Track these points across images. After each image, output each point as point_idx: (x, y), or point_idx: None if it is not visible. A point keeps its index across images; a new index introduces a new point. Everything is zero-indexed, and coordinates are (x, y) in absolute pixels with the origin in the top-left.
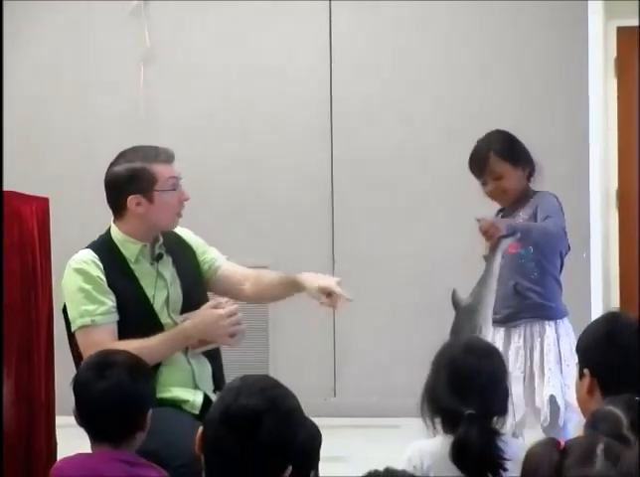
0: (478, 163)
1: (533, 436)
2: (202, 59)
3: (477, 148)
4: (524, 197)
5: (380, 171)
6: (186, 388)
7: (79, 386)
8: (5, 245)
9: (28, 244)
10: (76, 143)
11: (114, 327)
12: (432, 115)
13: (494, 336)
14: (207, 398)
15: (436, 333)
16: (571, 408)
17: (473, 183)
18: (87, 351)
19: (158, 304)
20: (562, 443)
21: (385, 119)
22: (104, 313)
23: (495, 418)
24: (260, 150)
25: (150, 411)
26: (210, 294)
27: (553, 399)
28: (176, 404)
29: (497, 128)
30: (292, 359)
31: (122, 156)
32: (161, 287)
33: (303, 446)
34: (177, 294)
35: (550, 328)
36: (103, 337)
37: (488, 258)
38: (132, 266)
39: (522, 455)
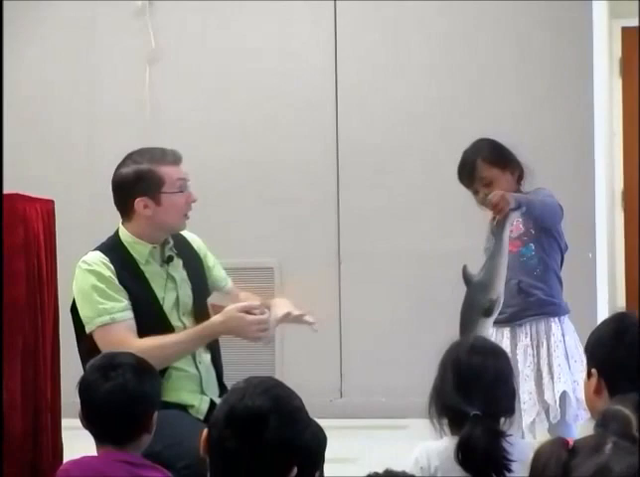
0: (467, 172)
1: (541, 433)
2: (207, 59)
3: (464, 158)
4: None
5: (385, 170)
6: (193, 393)
7: (84, 387)
8: (10, 247)
9: (33, 246)
10: (81, 144)
11: (133, 323)
12: (437, 115)
13: (499, 336)
14: (212, 404)
15: (443, 333)
16: (581, 405)
17: None
18: (109, 349)
19: (168, 306)
20: (571, 442)
21: (389, 119)
22: (122, 310)
23: (502, 419)
24: (265, 150)
25: (156, 413)
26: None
27: (564, 396)
28: (182, 408)
29: (482, 137)
30: (298, 360)
31: (129, 158)
32: (171, 289)
33: (308, 447)
34: (187, 296)
35: (555, 325)
36: (125, 334)
37: (497, 233)
38: (142, 268)
39: (529, 455)
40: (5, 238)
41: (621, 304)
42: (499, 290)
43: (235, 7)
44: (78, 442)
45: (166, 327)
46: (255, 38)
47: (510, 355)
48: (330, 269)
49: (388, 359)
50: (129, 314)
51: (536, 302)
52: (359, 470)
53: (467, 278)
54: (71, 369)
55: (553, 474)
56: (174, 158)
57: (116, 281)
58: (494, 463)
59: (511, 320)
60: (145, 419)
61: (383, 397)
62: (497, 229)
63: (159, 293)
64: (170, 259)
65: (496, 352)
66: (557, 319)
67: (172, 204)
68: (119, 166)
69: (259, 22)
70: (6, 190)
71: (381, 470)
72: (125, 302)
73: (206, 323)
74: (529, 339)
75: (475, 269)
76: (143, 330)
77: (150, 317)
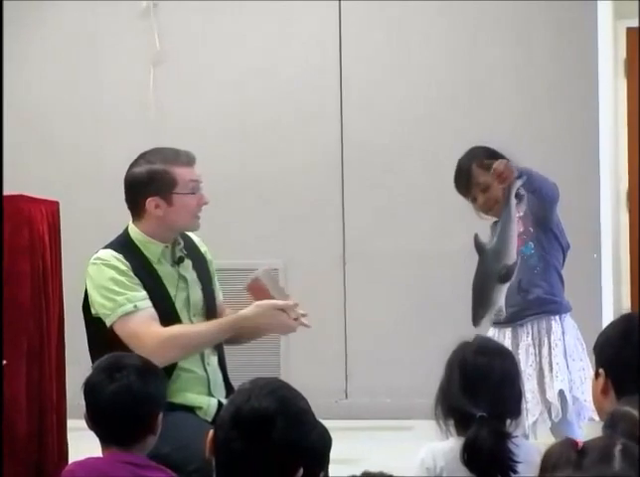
0: (463, 179)
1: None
2: (211, 60)
3: (459, 166)
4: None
5: (390, 171)
6: (200, 395)
7: (89, 389)
8: (16, 248)
9: (38, 247)
10: (85, 145)
11: (155, 312)
12: (440, 116)
13: (501, 337)
14: (220, 406)
15: (448, 334)
16: (580, 403)
17: None
18: (135, 338)
19: (179, 306)
20: (580, 443)
21: (393, 120)
22: (144, 298)
23: (508, 420)
24: (270, 151)
25: (161, 414)
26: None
27: (561, 394)
28: (189, 410)
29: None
30: (303, 361)
31: (143, 157)
32: (182, 289)
33: (314, 448)
34: (197, 297)
35: (555, 323)
36: (150, 321)
37: (504, 201)
38: (155, 267)
39: (535, 457)
40: (10, 239)
41: (626, 305)
42: (513, 255)
43: (238, 8)
44: (83, 443)
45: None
46: (260, 39)
47: None
48: (335, 270)
49: (393, 360)
50: (150, 303)
51: (536, 301)
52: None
53: (479, 247)
54: (76, 370)
55: (562, 475)
56: (188, 159)
57: (132, 274)
58: (500, 464)
59: (512, 320)
60: (150, 420)
61: (388, 397)
62: (504, 198)
63: (171, 292)
64: (181, 260)
65: (502, 353)
66: (557, 317)
67: (183, 205)
68: (132, 165)
69: (264, 23)
70: (11, 191)
71: (385, 471)
72: (144, 292)
73: (234, 315)
74: (530, 338)
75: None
76: None
77: (162, 316)
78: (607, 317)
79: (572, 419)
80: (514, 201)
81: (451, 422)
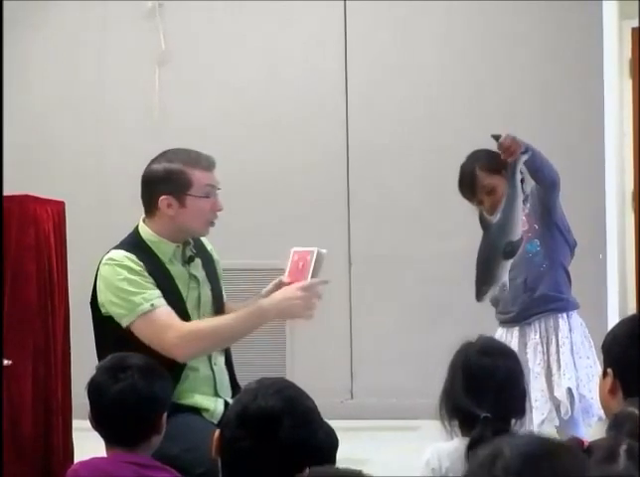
0: (467, 183)
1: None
2: (216, 61)
3: (462, 170)
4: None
5: (396, 172)
6: (207, 395)
7: (93, 389)
8: (22, 248)
9: (44, 247)
10: (89, 145)
11: (171, 308)
12: (447, 116)
13: (509, 336)
14: (227, 406)
15: (454, 334)
16: (587, 401)
17: None
18: (157, 336)
19: (190, 306)
20: (585, 443)
21: (400, 120)
22: (159, 296)
23: (513, 420)
24: (275, 151)
25: (165, 414)
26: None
27: (569, 392)
28: (197, 411)
29: (477, 148)
30: (309, 361)
31: (163, 155)
32: (193, 288)
33: (321, 447)
34: (207, 297)
35: (562, 321)
36: (170, 317)
37: (510, 176)
38: (168, 266)
39: None
40: (16, 238)
41: (632, 305)
42: (518, 231)
43: (243, 9)
44: (89, 443)
45: None
46: (264, 39)
47: (520, 354)
48: (340, 271)
49: (398, 360)
50: (164, 301)
51: (542, 298)
52: (369, 471)
53: (485, 221)
54: (81, 370)
55: None
56: (207, 163)
57: (146, 274)
58: None
59: (519, 319)
60: (155, 420)
61: (393, 398)
62: (510, 173)
63: (183, 292)
64: (191, 259)
65: (506, 353)
66: (564, 315)
67: (196, 207)
68: (152, 161)
69: (268, 23)
70: (17, 192)
71: (391, 471)
72: (159, 291)
73: (256, 305)
74: (538, 336)
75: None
76: None
77: (177, 314)
78: (613, 317)
79: (579, 418)
80: (519, 176)
81: (456, 423)
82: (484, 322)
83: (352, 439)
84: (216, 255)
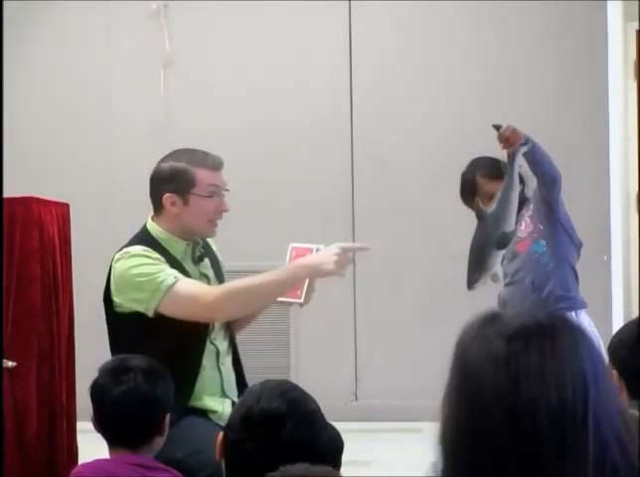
0: (469, 190)
1: None
2: (221, 62)
3: (463, 178)
4: (521, 204)
5: (400, 172)
6: (214, 396)
7: (96, 391)
8: (26, 250)
9: (49, 249)
10: (95, 147)
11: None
12: (453, 117)
13: None
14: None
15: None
16: None
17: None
18: (189, 302)
19: None
20: None
21: (404, 121)
22: (178, 273)
23: None
24: (280, 153)
25: (168, 416)
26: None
27: None
28: (203, 413)
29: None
30: (313, 363)
31: (172, 154)
32: None
33: (325, 449)
34: None
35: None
36: (197, 284)
37: (508, 167)
38: (182, 263)
39: None
40: (21, 240)
41: (636, 307)
42: (512, 222)
43: (249, 10)
44: (93, 445)
45: (201, 325)
46: (270, 40)
47: None
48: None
49: (403, 361)
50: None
51: (550, 298)
52: (373, 473)
53: (480, 211)
54: (86, 372)
55: None
56: (214, 164)
57: (164, 261)
58: None
59: None
60: (157, 422)
61: (398, 399)
62: (508, 163)
63: None
64: (201, 259)
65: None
66: (572, 313)
67: (199, 207)
68: (161, 160)
69: (274, 24)
70: (21, 193)
71: (395, 473)
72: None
73: (290, 263)
74: None
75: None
76: (179, 326)
77: None
78: (617, 319)
79: None
80: (517, 167)
81: None
82: None
83: (356, 441)
84: (219, 255)
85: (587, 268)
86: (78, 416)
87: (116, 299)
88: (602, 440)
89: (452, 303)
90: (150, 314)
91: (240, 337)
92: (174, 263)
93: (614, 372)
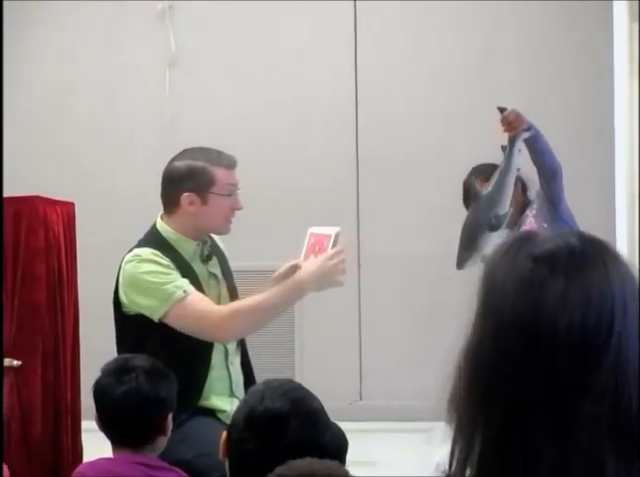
0: (472, 198)
1: None
2: (227, 62)
3: (465, 186)
4: (525, 207)
5: (405, 173)
6: (223, 395)
7: (98, 391)
8: (32, 249)
9: (54, 248)
10: (100, 148)
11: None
12: (458, 116)
13: None
14: None
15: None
16: None
17: None
18: (196, 319)
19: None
20: None
21: (409, 121)
22: (189, 284)
23: None
24: (284, 154)
25: (171, 415)
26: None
27: None
28: (212, 413)
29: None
30: (318, 362)
31: (185, 153)
32: (213, 286)
33: (329, 448)
34: (225, 295)
35: None
36: (205, 301)
37: (508, 150)
38: (191, 264)
39: None
40: (26, 240)
41: None
42: (506, 205)
43: (254, 9)
44: (98, 444)
45: None
46: (276, 40)
47: None
48: (349, 272)
49: (408, 361)
50: (194, 288)
51: None
52: (378, 473)
53: (475, 192)
54: (90, 371)
55: None
56: (229, 162)
57: (174, 268)
58: None
59: None
60: (160, 422)
61: (403, 399)
62: (508, 146)
63: (205, 290)
64: (209, 257)
65: None
66: None
67: (218, 206)
68: (173, 159)
69: (280, 24)
70: (27, 193)
71: (400, 473)
72: (187, 280)
73: (294, 280)
74: None
75: None
76: None
77: None
78: None
79: None
80: (517, 152)
81: None
82: None
83: (361, 441)
84: (226, 253)
85: None
86: (82, 415)
87: (125, 301)
88: (624, 372)
89: (458, 304)
90: (155, 320)
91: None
92: (183, 265)
93: None
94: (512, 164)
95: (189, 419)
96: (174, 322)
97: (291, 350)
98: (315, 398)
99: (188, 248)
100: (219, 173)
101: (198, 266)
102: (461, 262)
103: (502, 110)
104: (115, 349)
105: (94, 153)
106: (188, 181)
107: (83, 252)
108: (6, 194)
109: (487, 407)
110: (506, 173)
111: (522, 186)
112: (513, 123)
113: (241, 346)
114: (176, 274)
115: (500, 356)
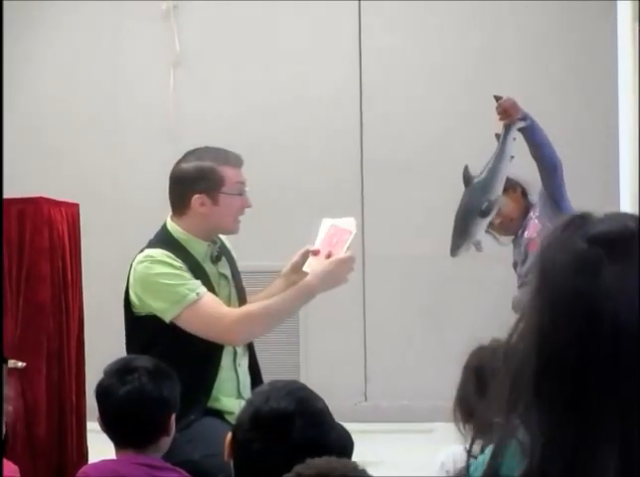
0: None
1: None
2: (231, 62)
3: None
4: (527, 210)
5: (409, 172)
6: (231, 397)
7: (101, 392)
8: (36, 250)
9: (58, 249)
10: (104, 148)
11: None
12: (460, 123)
13: None
14: None
15: (469, 335)
16: None
17: None
18: (208, 322)
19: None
20: None
21: (415, 121)
22: (201, 285)
23: None
24: (288, 154)
25: (174, 416)
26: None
27: None
28: (220, 414)
29: None
30: (323, 363)
31: (192, 154)
32: (224, 286)
33: (333, 448)
34: (234, 295)
35: None
36: (218, 304)
37: (502, 137)
38: (203, 265)
39: None
40: (31, 240)
41: None
42: (497, 192)
43: (258, 10)
44: (103, 445)
45: None
46: (279, 40)
47: None
48: (354, 273)
49: (412, 362)
50: (206, 290)
51: None
52: (383, 473)
53: (467, 179)
54: (95, 371)
55: None
56: (236, 161)
57: (186, 269)
58: None
59: None
60: (163, 422)
61: (407, 400)
62: (502, 133)
63: (216, 291)
64: (218, 258)
65: None
66: None
67: (228, 205)
68: (180, 161)
69: (284, 24)
70: (32, 194)
71: (404, 474)
72: (199, 281)
73: (303, 285)
74: None
75: (500, 274)
76: None
77: None
78: None
79: None
80: (511, 140)
81: (471, 426)
82: (500, 324)
83: (365, 442)
84: (234, 253)
85: None
86: (87, 416)
87: (135, 301)
88: None
89: (462, 304)
90: (167, 321)
91: None
92: (195, 265)
93: None
94: (506, 151)
95: (197, 420)
96: (186, 324)
97: (296, 351)
98: (320, 399)
99: (199, 249)
100: (228, 172)
101: (209, 267)
102: (455, 249)
103: (498, 99)
104: (119, 349)
105: (98, 153)
106: (198, 182)
107: (88, 253)
108: (6, 195)
109: (546, 389)
110: (500, 159)
111: (522, 190)
112: (508, 111)
113: (249, 348)
114: (189, 276)
115: (561, 336)
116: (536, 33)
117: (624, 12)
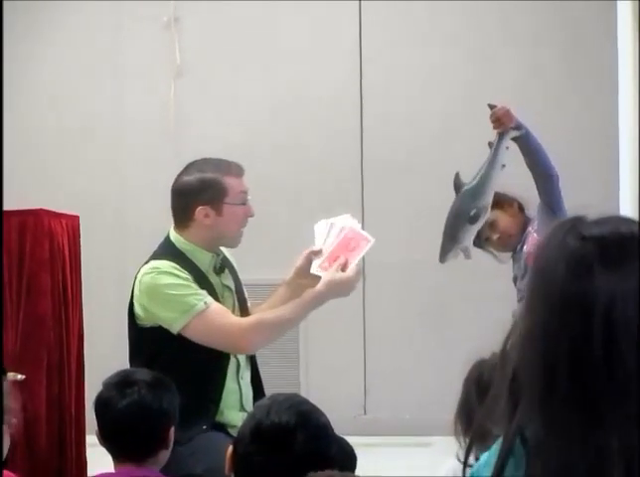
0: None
1: None
2: (232, 75)
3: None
4: (525, 225)
5: (409, 172)
6: (234, 409)
7: (101, 404)
8: (37, 261)
9: (59, 261)
10: (104, 159)
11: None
12: (462, 126)
13: None
14: None
15: (469, 349)
16: None
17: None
18: (218, 331)
19: None
20: None
21: (415, 125)
22: (208, 295)
23: None
24: (289, 164)
25: (173, 428)
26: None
27: None
28: (223, 428)
29: None
30: (322, 376)
31: (193, 166)
32: (227, 297)
33: (335, 461)
34: (236, 306)
35: None
36: (227, 313)
37: (495, 145)
38: (208, 276)
39: None
40: (31, 252)
41: None
42: (487, 199)
43: (258, 22)
44: (103, 459)
45: None
46: (280, 52)
47: None
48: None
49: (412, 375)
50: (213, 299)
51: None
52: None
53: (458, 185)
54: (95, 384)
55: None
56: (238, 170)
57: (192, 280)
58: None
59: None
60: (162, 435)
61: (407, 413)
62: (495, 141)
63: (221, 302)
64: (222, 269)
65: None
66: None
67: (233, 215)
68: (182, 173)
69: (284, 36)
70: (33, 206)
71: None
72: (205, 291)
73: (313, 293)
74: None
75: (503, 283)
76: None
77: None
78: None
79: None
80: (504, 149)
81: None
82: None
83: (365, 455)
84: (236, 265)
85: None
86: (87, 429)
87: (141, 313)
88: None
89: (463, 318)
90: (174, 332)
91: None
92: (200, 276)
93: None
94: (498, 159)
95: (200, 434)
96: (194, 334)
97: (296, 363)
98: (322, 414)
99: (204, 260)
100: (231, 182)
101: (213, 278)
102: (443, 255)
103: (492, 107)
104: (119, 362)
105: (99, 164)
106: (201, 194)
107: (88, 266)
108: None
109: (549, 386)
110: (492, 167)
111: (518, 205)
112: (501, 119)
113: (252, 360)
114: (195, 287)
115: (555, 334)
116: (536, 32)
117: (624, 12)
